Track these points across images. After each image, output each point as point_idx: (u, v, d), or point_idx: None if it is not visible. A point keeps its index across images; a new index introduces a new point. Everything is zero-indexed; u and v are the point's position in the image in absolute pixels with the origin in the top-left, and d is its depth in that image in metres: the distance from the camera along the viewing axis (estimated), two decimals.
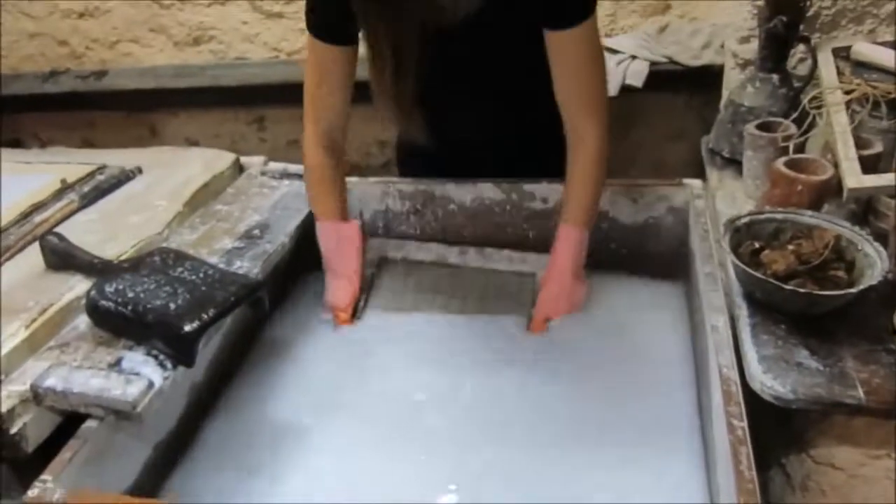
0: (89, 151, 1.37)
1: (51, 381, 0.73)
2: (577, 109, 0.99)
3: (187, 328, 0.75)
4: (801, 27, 1.19)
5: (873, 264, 0.85)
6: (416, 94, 0.96)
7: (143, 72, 1.93)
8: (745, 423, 0.68)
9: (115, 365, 0.76)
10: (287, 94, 1.81)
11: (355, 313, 1.05)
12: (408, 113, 1.00)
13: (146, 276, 0.82)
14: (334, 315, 1.05)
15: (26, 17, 1.94)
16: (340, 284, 1.05)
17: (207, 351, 0.92)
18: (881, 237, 0.91)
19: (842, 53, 1.19)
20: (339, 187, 1.08)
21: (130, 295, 0.79)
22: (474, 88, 1.06)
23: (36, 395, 0.73)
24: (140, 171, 1.18)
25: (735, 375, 0.74)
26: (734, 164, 1.23)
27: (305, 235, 1.08)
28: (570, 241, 1.01)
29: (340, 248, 1.06)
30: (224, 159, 1.22)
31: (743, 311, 0.87)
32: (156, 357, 0.77)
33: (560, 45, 0.95)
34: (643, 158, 1.73)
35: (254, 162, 1.25)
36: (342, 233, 1.06)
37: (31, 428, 0.73)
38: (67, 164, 1.18)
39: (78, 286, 0.88)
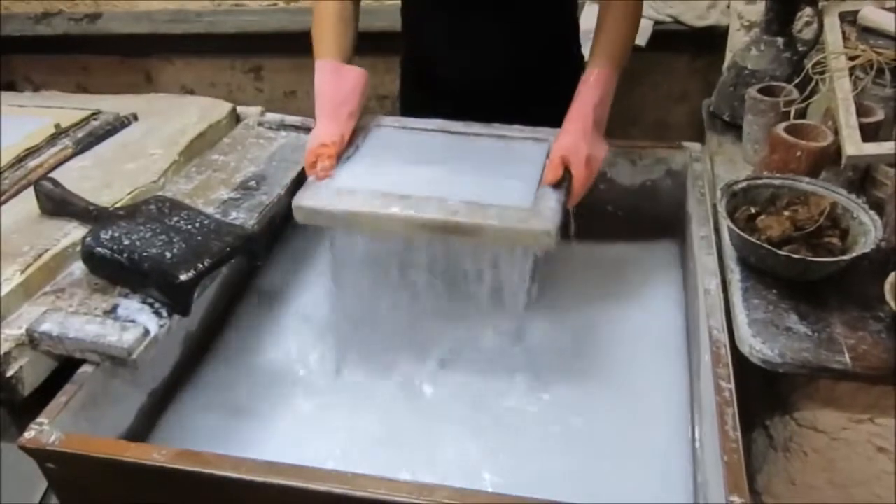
0: (84, 97, 1.34)
1: (47, 326, 0.73)
2: None
3: (183, 277, 0.75)
4: None
5: (867, 232, 0.85)
6: None
7: (138, 16, 1.89)
8: (732, 385, 0.70)
9: (111, 312, 0.76)
10: (285, 44, 1.79)
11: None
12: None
13: (142, 224, 0.82)
14: (316, 157, 0.89)
15: None
16: (330, 123, 0.92)
17: (202, 300, 0.92)
18: (878, 206, 0.91)
19: (849, 18, 1.17)
20: (346, 29, 0.99)
21: (126, 243, 0.79)
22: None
23: (32, 340, 0.74)
24: (135, 117, 1.17)
25: (725, 338, 0.75)
26: (734, 128, 1.23)
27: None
28: (597, 79, 0.91)
29: (337, 87, 0.94)
30: (220, 108, 1.20)
31: (736, 275, 0.88)
32: (151, 305, 0.77)
33: None
34: (645, 119, 1.72)
35: (251, 112, 1.23)
36: (342, 73, 0.95)
37: (27, 371, 0.74)
38: (62, 108, 1.17)
39: (73, 232, 0.87)
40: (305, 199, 0.85)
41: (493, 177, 0.88)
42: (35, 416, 0.69)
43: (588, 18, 1.25)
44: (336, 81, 0.94)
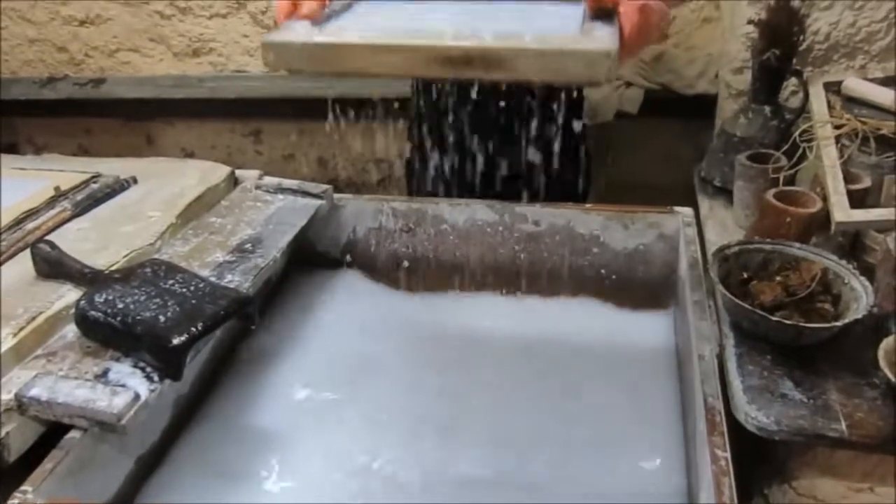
0: (84, 160, 1.36)
1: (36, 391, 0.73)
2: None
3: (176, 341, 0.75)
4: (794, 61, 1.21)
5: (859, 298, 0.86)
6: None
7: (142, 81, 1.93)
8: (728, 454, 0.69)
9: (102, 376, 0.75)
10: (285, 109, 1.83)
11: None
12: None
13: (136, 287, 0.82)
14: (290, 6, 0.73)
15: (26, 23, 1.95)
16: None
17: (195, 364, 0.92)
18: (868, 271, 0.92)
19: (833, 88, 1.20)
20: None
21: (120, 306, 0.79)
22: None
23: (20, 405, 0.73)
24: (135, 180, 1.18)
25: (720, 405, 0.75)
26: (725, 192, 1.25)
27: (298, 252, 1.08)
28: None
29: None
30: (219, 172, 1.22)
31: (730, 341, 0.88)
32: (143, 369, 0.76)
33: None
34: (637, 183, 1.74)
35: (249, 175, 1.25)
36: None
37: (14, 437, 0.73)
38: (62, 171, 1.18)
39: (68, 295, 0.87)
40: (277, 36, 0.68)
41: (527, 16, 0.70)
42: (20, 483, 0.67)
43: None
44: None
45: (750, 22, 1.22)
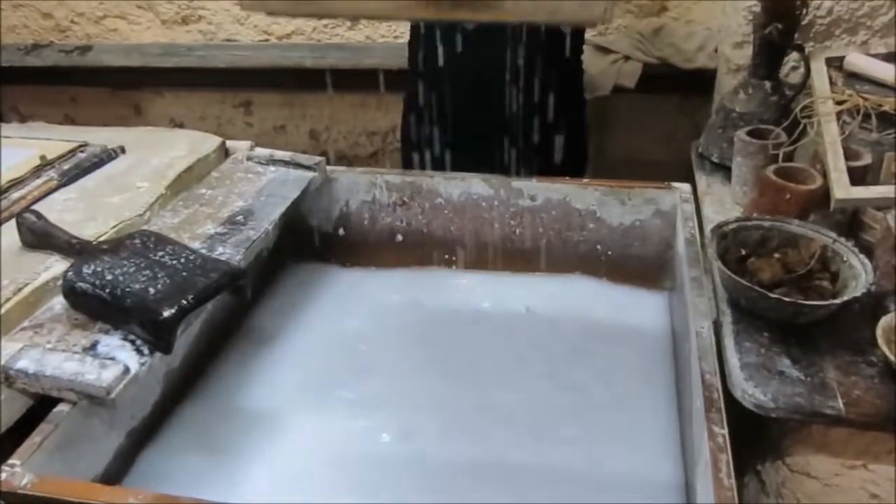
0: (71, 128, 1.33)
1: (23, 363, 0.71)
2: None
3: (166, 314, 0.73)
4: (796, 35, 1.19)
5: (857, 276, 0.85)
6: None
7: (129, 49, 1.89)
8: (725, 431, 0.68)
9: (91, 349, 0.74)
10: (276, 79, 1.80)
11: None
12: None
13: (126, 258, 0.81)
14: None
15: None
16: None
17: (185, 337, 0.90)
18: (866, 249, 0.91)
19: (834, 63, 1.19)
20: None
21: (109, 277, 0.77)
22: None
23: (7, 377, 0.71)
24: (123, 150, 1.16)
25: (717, 382, 0.74)
26: (723, 169, 1.23)
27: (290, 223, 1.06)
28: None
29: None
30: (210, 142, 1.20)
31: (727, 318, 0.87)
32: (132, 342, 0.75)
33: None
34: (634, 159, 1.73)
35: (240, 146, 1.23)
36: None
37: (2, 410, 0.71)
38: (48, 140, 1.16)
39: (55, 266, 0.86)
40: None
41: None
42: (8, 456, 0.66)
43: None
44: None
45: None
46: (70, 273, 0.79)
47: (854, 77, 1.16)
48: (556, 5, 0.57)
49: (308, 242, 1.18)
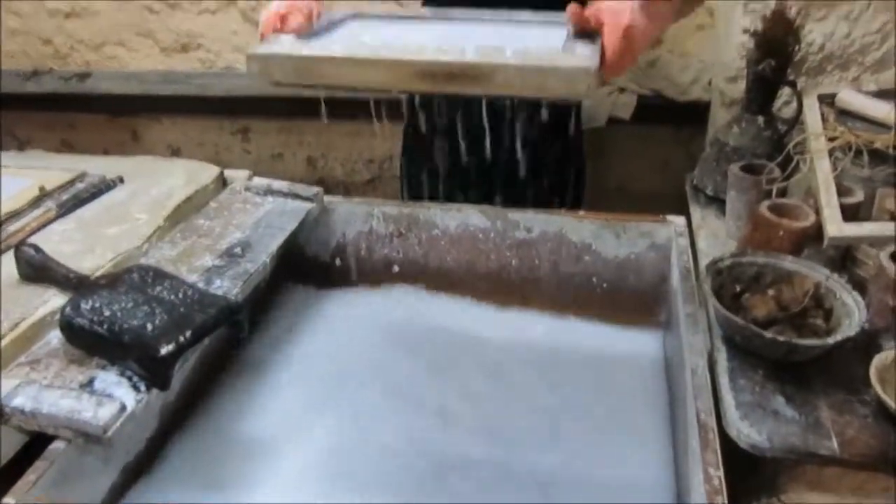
0: (69, 157, 1.33)
1: (19, 401, 0.71)
2: None
3: (164, 351, 0.73)
4: (789, 71, 1.21)
5: (851, 314, 0.86)
6: None
7: (128, 76, 1.91)
8: (720, 472, 0.68)
9: (87, 385, 0.74)
10: (273, 107, 1.81)
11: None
12: None
13: (124, 293, 0.81)
14: (279, 19, 0.75)
15: (11, 15, 1.91)
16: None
17: (182, 372, 0.90)
18: (859, 284, 0.92)
19: (826, 100, 1.21)
20: None
21: (107, 313, 0.77)
22: None
23: (2, 415, 0.71)
24: (121, 180, 1.16)
25: (713, 422, 0.74)
26: (717, 202, 1.25)
27: (287, 253, 1.07)
28: None
29: None
30: (208, 172, 1.20)
31: (722, 354, 0.87)
32: (129, 378, 0.75)
33: None
34: (629, 190, 1.75)
35: (238, 176, 1.23)
36: None
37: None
38: (47, 169, 1.16)
39: (52, 300, 0.86)
40: (263, 48, 0.70)
41: (512, 35, 0.71)
42: (2, 494, 0.66)
43: None
44: None
45: (746, 32, 1.22)
46: (67, 308, 0.79)
47: (846, 114, 1.17)
48: (542, 82, 0.62)
49: (305, 272, 1.19)
